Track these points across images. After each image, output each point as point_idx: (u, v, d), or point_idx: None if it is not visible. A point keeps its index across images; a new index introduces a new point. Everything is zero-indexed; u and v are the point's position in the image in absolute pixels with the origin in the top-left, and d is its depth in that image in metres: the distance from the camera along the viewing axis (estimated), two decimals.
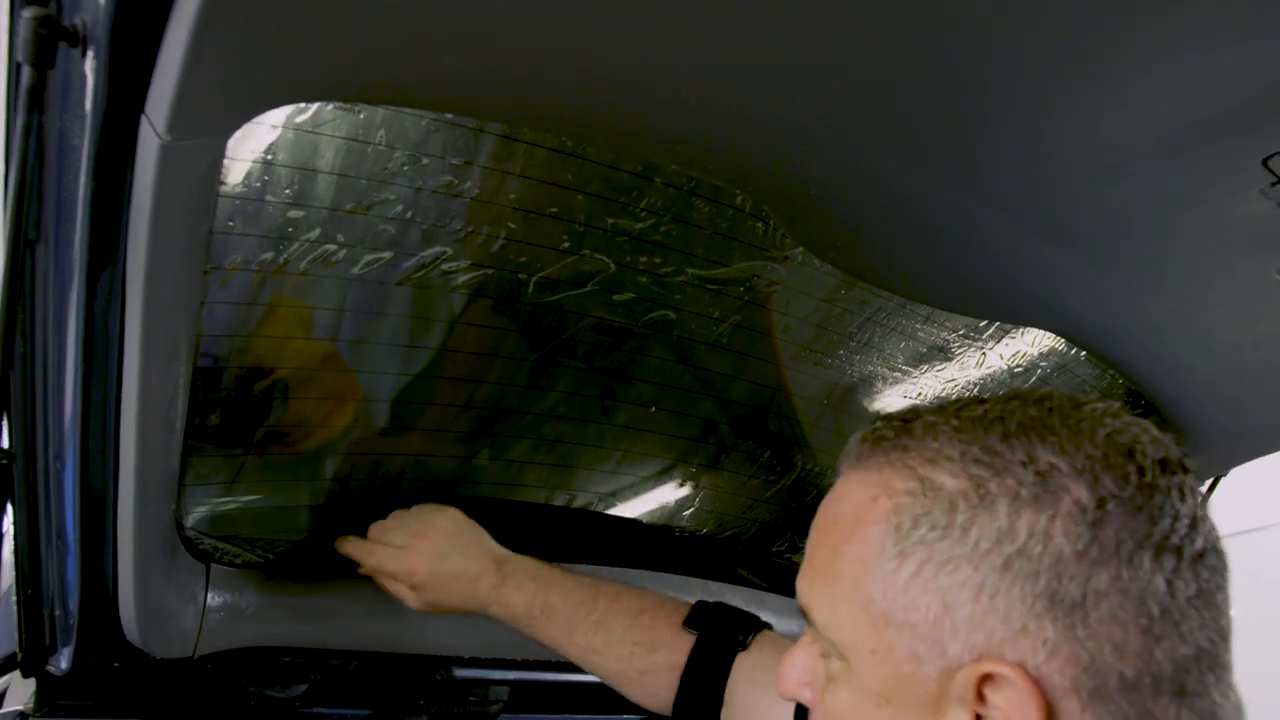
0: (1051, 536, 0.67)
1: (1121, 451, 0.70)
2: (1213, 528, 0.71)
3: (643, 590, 1.43)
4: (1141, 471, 0.69)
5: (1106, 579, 0.66)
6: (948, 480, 0.71)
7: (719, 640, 1.31)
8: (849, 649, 0.75)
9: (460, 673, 1.65)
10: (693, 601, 1.38)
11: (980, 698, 0.68)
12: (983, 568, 0.68)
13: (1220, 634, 0.69)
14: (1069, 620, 0.66)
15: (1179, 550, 0.68)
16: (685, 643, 1.32)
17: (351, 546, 1.41)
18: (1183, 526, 0.68)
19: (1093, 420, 0.72)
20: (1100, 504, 0.68)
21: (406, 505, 1.46)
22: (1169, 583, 0.67)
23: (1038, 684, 0.67)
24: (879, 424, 0.79)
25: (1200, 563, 0.69)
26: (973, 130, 1.10)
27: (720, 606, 1.38)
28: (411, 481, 1.50)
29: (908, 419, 0.77)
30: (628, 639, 1.35)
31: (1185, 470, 0.72)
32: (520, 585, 1.40)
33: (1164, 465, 0.71)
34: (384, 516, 1.45)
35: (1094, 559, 0.66)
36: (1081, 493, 0.68)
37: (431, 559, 1.38)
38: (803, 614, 0.81)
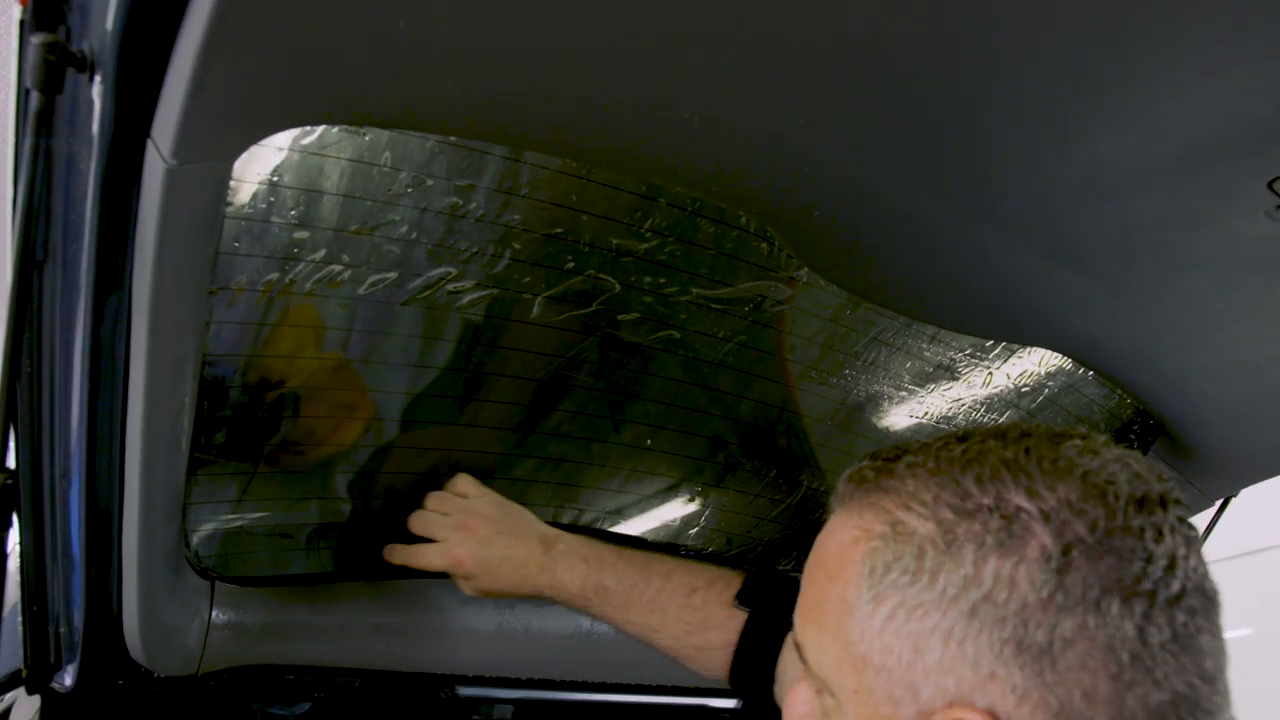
0: (1016, 583, 0.67)
1: (1095, 493, 0.69)
2: (1198, 566, 0.70)
3: (696, 566, 1.42)
4: (1112, 514, 0.68)
5: (1073, 626, 0.66)
6: (918, 525, 0.72)
7: (769, 618, 1.31)
8: (836, 687, 0.76)
9: (464, 691, 1.64)
10: (744, 573, 1.38)
11: None
12: (950, 613, 0.68)
13: (1203, 677, 0.68)
14: (1037, 667, 0.66)
15: (1151, 595, 0.66)
16: (737, 620, 1.33)
17: (398, 554, 1.41)
18: (1156, 570, 0.67)
19: (1069, 460, 0.71)
20: (1065, 550, 0.67)
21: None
22: (1139, 629, 0.66)
23: None
24: (865, 463, 0.80)
25: (1176, 606, 0.67)
26: (978, 151, 1.10)
27: (772, 578, 1.38)
28: (419, 499, 1.50)
29: (892, 458, 0.78)
30: (681, 618, 1.36)
31: (1166, 507, 0.70)
32: (571, 567, 1.39)
33: (1141, 504, 0.69)
34: (389, 535, 1.45)
35: (1060, 605, 0.66)
36: (1047, 539, 0.68)
37: (477, 547, 1.37)
38: (796, 648, 0.81)
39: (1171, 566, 0.68)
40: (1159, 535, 0.68)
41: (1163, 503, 0.71)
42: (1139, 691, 0.66)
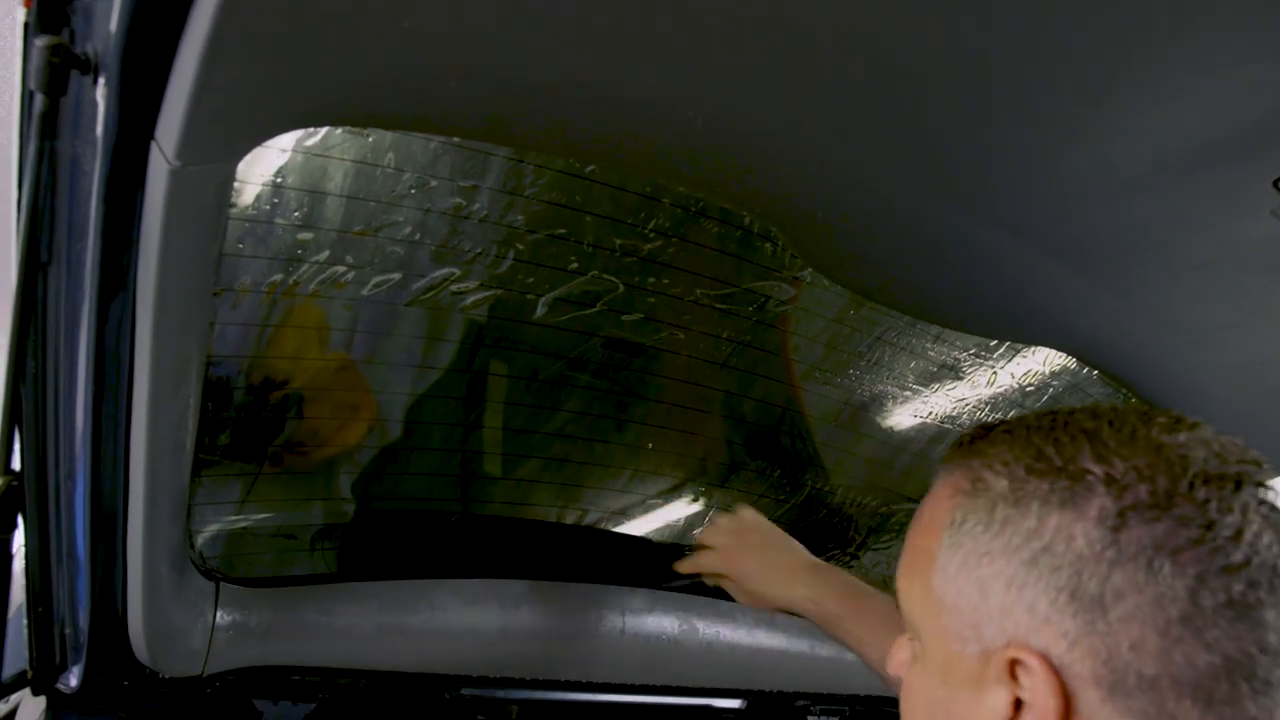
0: (1074, 538, 0.72)
1: (1164, 465, 0.73)
2: (1272, 544, 0.71)
3: None
4: (1175, 484, 0.72)
5: (1124, 580, 0.70)
6: (994, 481, 0.78)
7: None
8: (920, 629, 0.84)
9: (468, 692, 1.64)
10: None
11: (1014, 679, 0.74)
12: (1013, 561, 0.75)
13: (1262, 648, 0.69)
14: (1089, 616, 0.71)
15: (1207, 560, 0.69)
16: None
17: (684, 565, 1.52)
18: (1218, 539, 0.70)
19: (1148, 435, 0.75)
20: (1122, 513, 0.71)
21: (417, 523, 1.46)
22: (1191, 590, 0.69)
23: (1058, 673, 0.72)
24: (969, 430, 0.87)
25: (1235, 575, 0.69)
26: (983, 152, 1.10)
27: None
28: (422, 500, 1.50)
29: (990, 428, 0.84)
30: None
31: (1241, 486, 0.73)
32: (834, 589, 1.42)
33: (1211, 479, 0.72)
34: (394, 534, 1.45)
35: (1112, 560, 0.70)
36: (1107, 501, 0.72)
37: (754, 554, 1.46)
38: (897, 600, 0.90)
39: (1236, 538, 0.70)
40: (1226, 508, 0.71)
41: (1239, 481, 0.73)
42: (1185, 649, 0.69)
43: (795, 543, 1.50)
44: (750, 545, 1.47)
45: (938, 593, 0.80)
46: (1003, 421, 0.83)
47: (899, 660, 0.93)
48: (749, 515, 1.52)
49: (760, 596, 1.45)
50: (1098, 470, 0.73)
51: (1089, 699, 0.71)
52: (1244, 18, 0.89)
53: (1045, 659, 0.72)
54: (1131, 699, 0.70)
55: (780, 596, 1.43)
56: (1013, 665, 0.74)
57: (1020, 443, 0.79)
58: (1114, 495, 0.72)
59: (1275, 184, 1.09)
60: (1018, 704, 0.74)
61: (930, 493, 0.87)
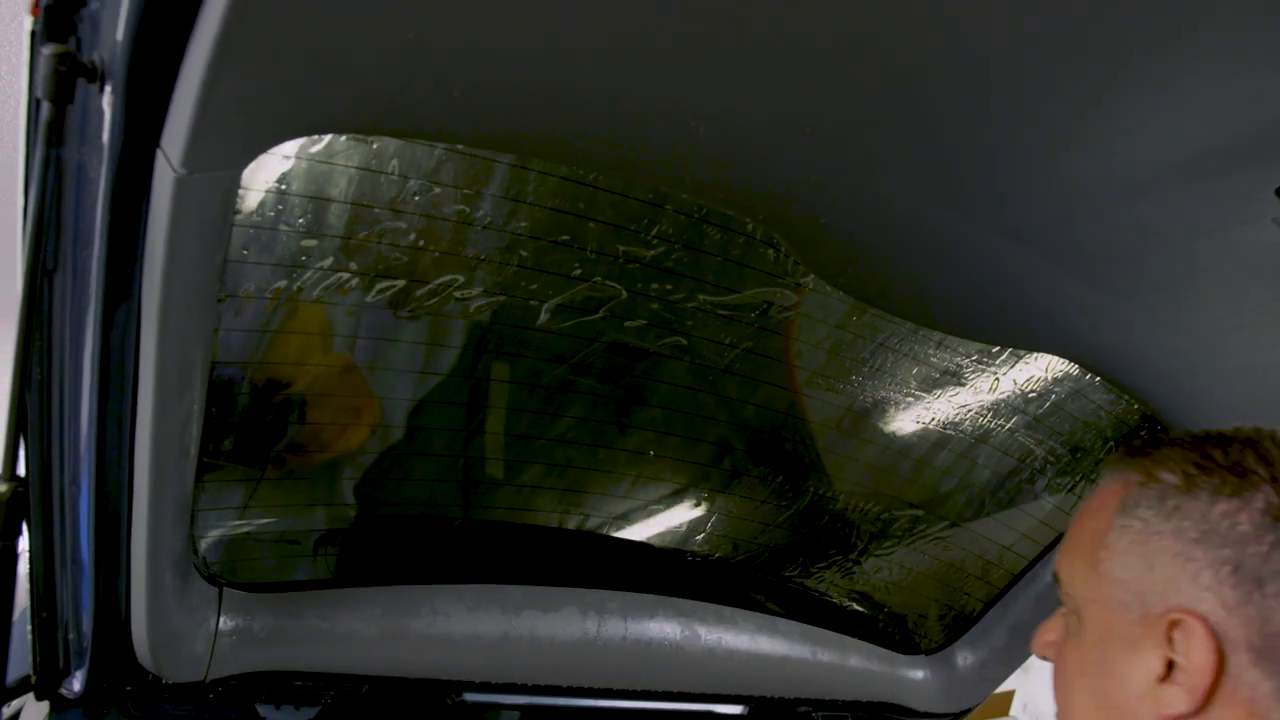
0: (1239, 523, 0.84)
1: None
2: None
3: None
4: None
5: None
6: (1166, 475, 0.90)
7: None
8: (1080, 600, 0.95)
9: (471, 697, 1.65)
10: None
11: (1169, 642, 0.85)
12: (1182, 539, 0.87)
13: None
14: (1247, 589, 0.83)
15: None
16: None
17: None
18: None
19: None
20: None
21: (420, 529, 1.46)
22: None
23: (1215, 635, 0.83)
24: (1136, 441, 1.03)
25: None
26: (985, 158, 1.10)
27: None
28: (425, 505, 1.50)
29: (1155, 440, 0.97)
30: None
31: None
32: None
33: None
34: (397, 539, 1.45)
35: (1272, 544, 0.83)
36: (1273, 496, 0.85)
37: None
38: (1055, 580, 1.01)
39: None
40: None
41: None
42: None
43: None
44: None
45: (1104, 566, 0.92)
46: (1165, 436, 1.01)
47: (1045, 641, 1.03)
48: None
49: None
50: (1262, 470, 0.86)
51: (1239, 661, 0.83)
52: (1246, 27, 0.90)
53: (1205, 622, 0.83)
54: (1277, 665, 0.82)
55: None
56: (1171, 628, 0.85)
57: (1189, 447, 0.92)
58: (1276, 491, 0.85)
59: (1277, 191, 1.09)
60: (1169, 666, 0.86)
61: (1097, 488, 1.00)
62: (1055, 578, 1.02)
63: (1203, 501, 0.86)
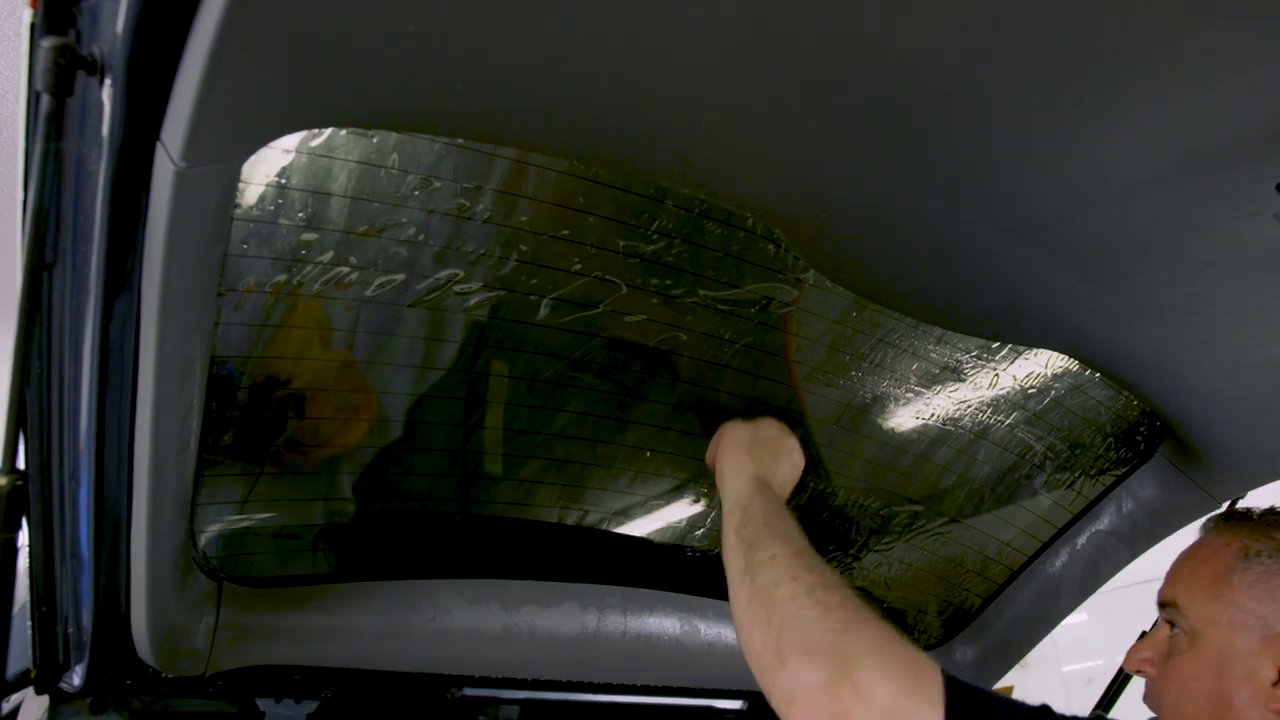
0: None
1: None
2: None
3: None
4: None
5: None
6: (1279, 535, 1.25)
7: None
8: (1201, 623, 1.23)
9: (471, 692, 1.65)
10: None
11: None
12: None
13: None
14: None
15: None
16: None
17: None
18: None
19: None
20: None
21: (420, 523, 1.46)
22: None
23: None
24: (1236, 510, 1.34)
25: None
26: (985, 153, 1.10)
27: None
28: (425, 500, 1.50)
29: (1256, 510, 1.32)
30: None
31: None
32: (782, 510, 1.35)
33: None
34: (397, 534, 1.45)
35: None
36: None
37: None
38: (1163, 606, 1.30)
39: None
40: None
41: None
42: None
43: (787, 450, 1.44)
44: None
45: (1227, 596, 1.22)
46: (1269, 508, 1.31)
47: (1142, 658, 1.31)
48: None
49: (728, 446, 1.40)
50: None
51: None
52: (1246, 22, 0.90)
53: None
54: None
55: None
56: None
57: None
58: None
59: (1278, 187, 1.09)
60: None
61: (1205, 541, 1.32)
62: (1170, 604, 1.29)
63: None
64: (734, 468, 1.35)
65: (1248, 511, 1.32)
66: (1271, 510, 1.30)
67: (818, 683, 1.02)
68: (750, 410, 1.57)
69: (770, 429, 1.43)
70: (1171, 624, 1.29)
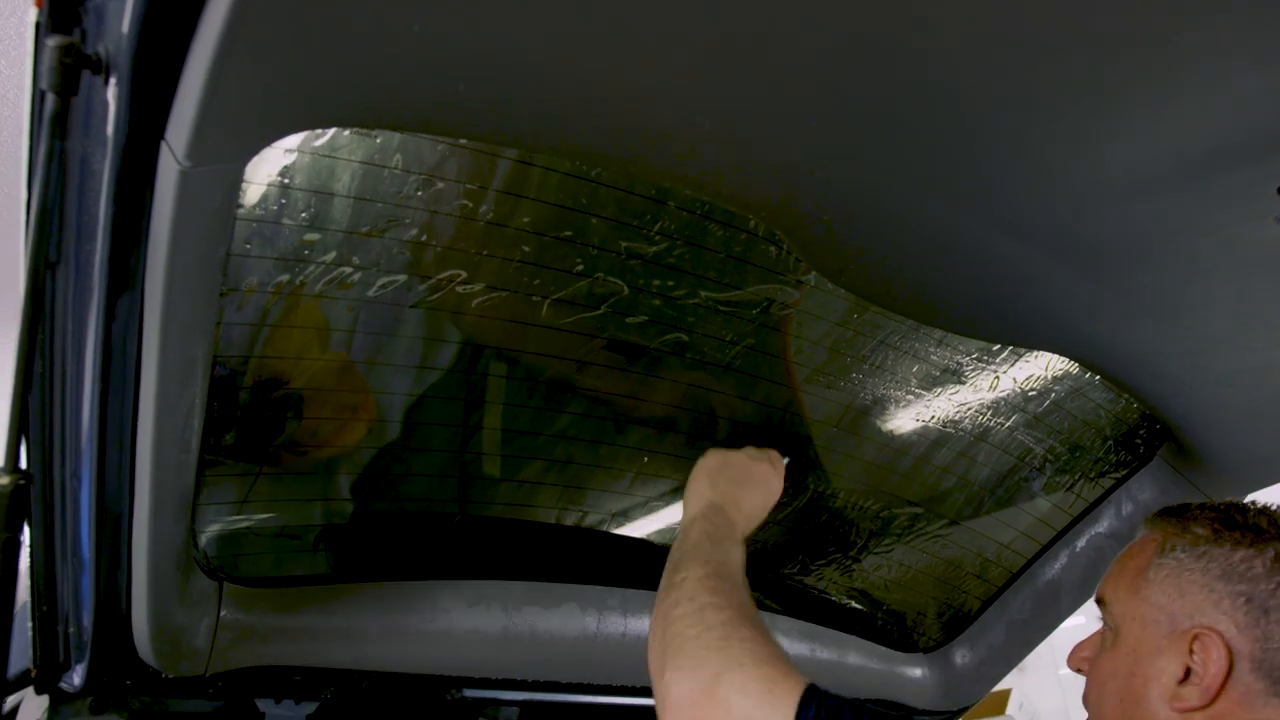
0: (1254, 566, 1.13)
1: None
2: None
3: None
4: None
5: None
6: (1198, 529, 1.20)
7: None
8: (1120, 618, 1.22)
9: (471, 693, 1.65)
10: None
11: (1190, 652, 1.12)
12: (1208, 575, 1.15)
13: None
14: (1255, 615, 1.10)
15: None
16: None
17: None
18: None
19: None
20: None
21: (421, 524, 1.46)
22: None
23: (1228, 647, 1.10)
24: (1170, 506, 1.30)
25: None
26: (989, 156, 1.10)
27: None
28: (426, 501, 1.50)
29: (1188, 505, 1.27)
30: None
31: None
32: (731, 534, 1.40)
33: None
34: (398, 535, 1.45)
35: (1278, 584, 1.11)
36: None
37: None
38: (1099, 603, 1.29)
39: None
40: None
41: None
42: None
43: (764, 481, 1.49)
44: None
45: (1143, 592, 1.20)
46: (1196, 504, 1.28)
47: (1080, 656, 1.31)
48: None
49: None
50: (1273, 530, 1.16)
51: (1242, 668, 1.09)
52: (1249, 25, 0.90)
53: (1222, 637, 1.10)
54: (1269, 679, 1.09)
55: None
56: (1193, 640, 1.12)
57: (1216, 510, 1.22)
58: None
59: (1279, 191, 1.09)
60: (1187, 671, 1.12)
61: (1141, 536, 1.29)
62: (1100, 600, 1.29)
63: (1226, 549, 1.16)
64: (693, 493, 1.43)
65: (1181, 507, 1.28)
66: (1202, 505, 1.26)
67: (685, 695, 1.14)
68: (740, 435, 1.58)
69: (741, 458, 1.47)
70: (1104, 622, 1.28)
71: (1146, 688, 1.15)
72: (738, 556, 1.32)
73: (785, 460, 1.56)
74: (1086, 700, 1.27)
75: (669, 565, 1.30)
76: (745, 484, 1.44)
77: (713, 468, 1.44)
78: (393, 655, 1.54)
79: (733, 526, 1.38)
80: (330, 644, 1.49)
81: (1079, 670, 1.30)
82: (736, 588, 1.25)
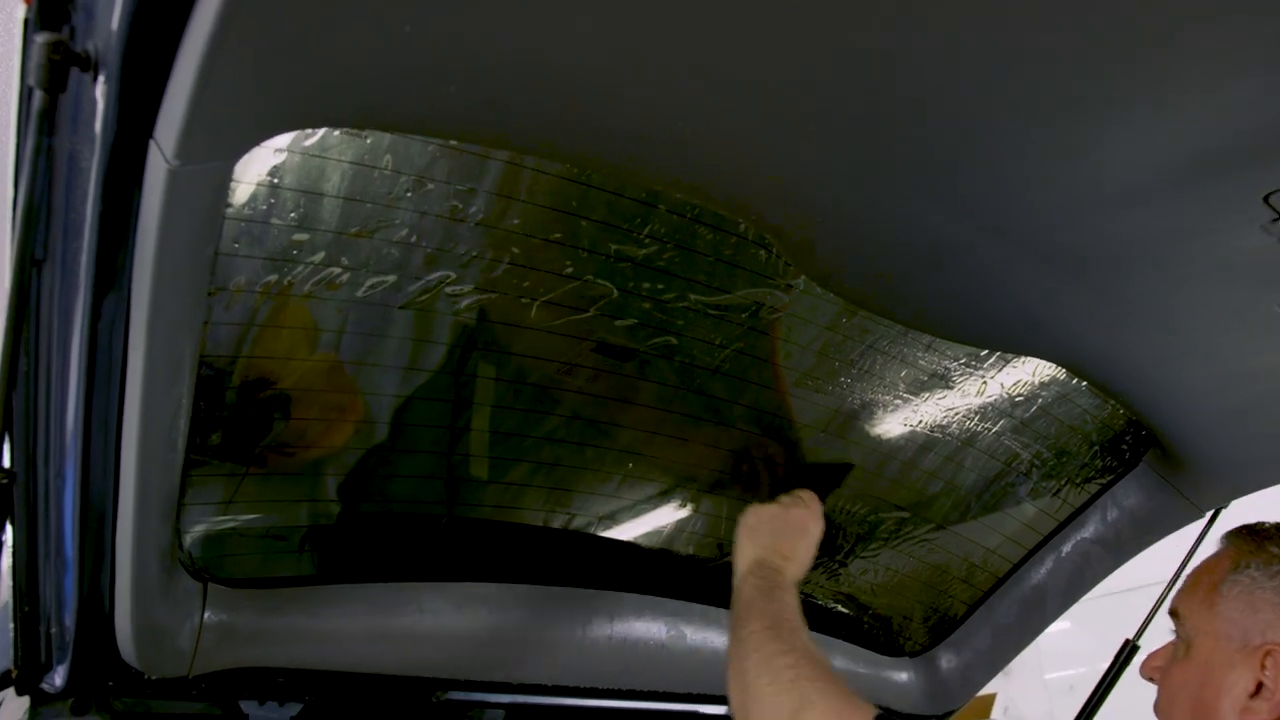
0: None
1: None
2: None
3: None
4: None
5: None
6: (1273, 548, 1.26)
7: None
8: (1193, 631, 1.28)
9: (455, 695, 1.64)
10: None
11: (1261, 667, 1.18)
12: (1278, 593, 1.21)
13: None
14: None
15: None
16: None
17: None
18: None
19: None
20: None
21: (406, 526, 1.46)
22: None
23: None
24: (1245, 525, 1.36)
25: None
26: (977, 163, 1.11)
27: None
28: (412, 503, 1.50)
29: (1263, 525, 1.33)
30: None
31: None
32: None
33: None
34: (383, 537, 1.45)
35: None
36: None
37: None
38: (1172, 615, 1.35)
39: None
40: None
41: None
42: None
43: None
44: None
45: (1217, 607, 1.25)
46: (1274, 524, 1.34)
47: (1153, 665, 1.36)
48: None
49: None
50: None
51: None
52: (1233, 34, 0.90)
53: None
54: None
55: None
56: (1265, 656, 1.18)
57: None
58: None
59: (1266, 199, 1.10)
60: (1259, 686, 1.18)
61: (1215, 552, 1.34)
62: (1173, 614, 1.35)
63: None
64: (738, 553, 1.53)
65: (1257, 526, 1.34)
66: (1277, 526, 1.32)
67: None
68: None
69: (774, 510, 1.55)
70: (1175, 634, 1.34)
71: (1219, 699, 1.21)
72: (791, 602, 1.41)
73: (819, 497, 1.61)
74: (1157, 708, 1.34)
75: (732, 623, 1.41)
76: (783, 534, 1.52)
77: (751, 526, 1.53)
78: (378, 657, 1.54)
79: (779, 574, 1.46)
80: (315, 645, 1.49)
81: (1150, 679, 1.37)
82: (795, 632, 1.34)
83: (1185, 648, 1.29)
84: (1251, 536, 1.31)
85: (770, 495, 1.74)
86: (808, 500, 1.57)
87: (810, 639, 1.35)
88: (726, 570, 1.81)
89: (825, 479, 1.77)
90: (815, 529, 1.56)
